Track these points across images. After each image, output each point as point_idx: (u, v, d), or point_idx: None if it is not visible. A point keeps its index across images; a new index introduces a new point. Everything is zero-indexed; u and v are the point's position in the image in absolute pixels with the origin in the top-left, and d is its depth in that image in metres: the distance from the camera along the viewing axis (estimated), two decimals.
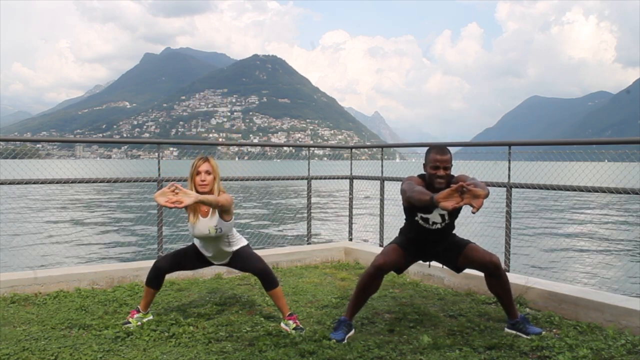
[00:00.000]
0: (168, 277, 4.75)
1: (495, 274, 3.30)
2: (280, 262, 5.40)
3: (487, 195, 2.80)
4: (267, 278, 3.51)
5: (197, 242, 3.63)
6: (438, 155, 3.21)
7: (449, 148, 3.34)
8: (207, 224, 3.43)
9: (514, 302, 3.39)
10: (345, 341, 3.16)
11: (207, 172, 3.40)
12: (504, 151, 4.73)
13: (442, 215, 3.28)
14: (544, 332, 3.26)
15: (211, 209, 3.42)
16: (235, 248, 3.59)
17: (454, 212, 3.25)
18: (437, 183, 3.19)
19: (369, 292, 3.36)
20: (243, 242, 3.66)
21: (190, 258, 3.65)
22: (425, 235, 3.37)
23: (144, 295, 3.60)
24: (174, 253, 3.67)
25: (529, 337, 3.19)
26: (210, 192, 3.40)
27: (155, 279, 3.57)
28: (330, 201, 19.84)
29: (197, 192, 3.36)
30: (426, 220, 3.31)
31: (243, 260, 3.59)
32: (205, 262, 3.68)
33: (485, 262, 3.29)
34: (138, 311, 3.52)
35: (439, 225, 3.31)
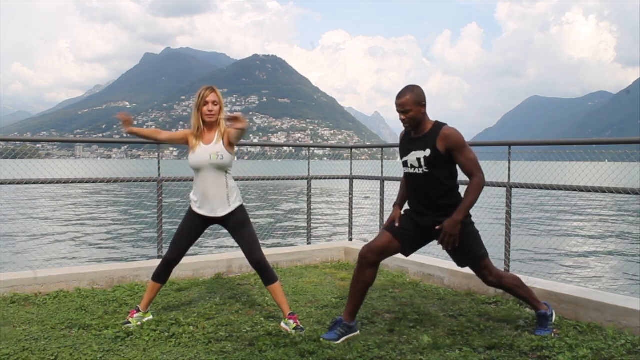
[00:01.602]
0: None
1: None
2: (280, 262, 5.40)
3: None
4: (265, 271, 3.48)
5: (195, 190, 3.49)
6: (396, 100, 3.18)
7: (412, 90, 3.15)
8: (208, 150, 3.39)
9: (528, 299, 3.35)
10: (340, 341, 3.14)
11: (214, 103, 3.41)
12: (504, 151, 4.73)
13: (418, 159, 3.17)
14: (552, 334, 3.23)
15: (215, 137, 3.41)
16: (232, 198, 3.47)
17: (430, 160, 3.13)
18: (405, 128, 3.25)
19: (361, 285, 3.25)
20: (240, 199, 3.56)
21: (186, 232, 3.52)
22: (412, 185, 3.27)
23: (147, 292, 3.57)
24: (172, 241, 3.58)
25: (529, 337, 3.18)
26: (217, 122, 3.42)
27: (165, 272, 3.55)
28: (330, 201, 19.84)
29: (204, 122, 3.40)
30: (405, 163, 3.26)
31: (241, 230, 3.49)
32: (202, 224, 3.53)
33: (482, 279, 3.33)
34: (138, 311, 3.52)
35: (417, 170, 3.19)
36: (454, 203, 3.16)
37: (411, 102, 3.11)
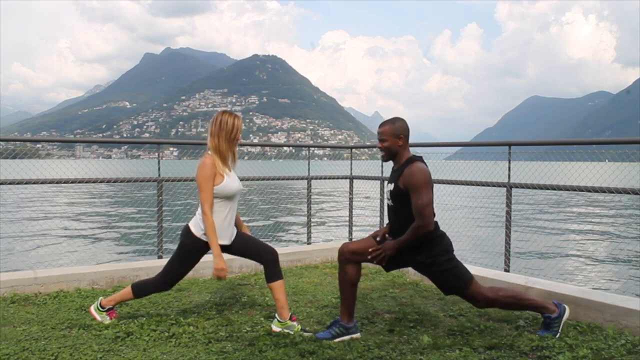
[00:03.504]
0: None
1: None
2: (281, 262, 5.38)
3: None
4: (277, 264, 3.43)
5: (217, 219, 3.33)
6: (378, 128, 3.30)
7: (396, 120, 3.27)
8: (236, 177, 3.43)
9: (531, 309, 3.34)
10: (334, 341, 3.15)
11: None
12: (504, 151, 4.73)
13: (389, 191, 3.27)
14: (555, 336, 3.20)
15: (232, 166, 3.45)
16: None
17: (396, 195, 3.17)
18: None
19: (345, 284, 3.27)
20: None
21: (191, 264, 3.47)
22: (388, 214, 3.36)
23: (120, 294, 3.53)
24: (172, 274, 3.46)
25: (529, 337, 3.18)
26: None
27: (152, 294, 3.55)
28: (330, 201, 19.84)
29: (233, 149, 3.40)
30: (387, 193, 3.34)
31: (248, 237, 3.47)
32: (205, 252, 3.47)
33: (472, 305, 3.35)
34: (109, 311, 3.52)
35: (389, 202, 3.29)
36: (427, 238, 3.14)
37: (388, 132, 3.22)
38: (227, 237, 3.41)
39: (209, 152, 3.37)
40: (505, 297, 3.27)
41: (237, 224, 3.60)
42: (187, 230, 3.40)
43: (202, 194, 3.26)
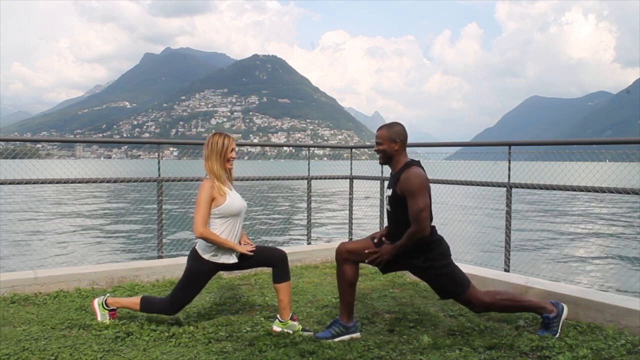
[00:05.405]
0: (168, 277, 4.77)
1: None
2: None
3: None
4: (286, 265, 3.41)
5: (230, 235, 3.35)
6: (376, 132, 3.33)
7: (394, 124, 3.28)
8: (238, 195, 3.43)
9: (528, 310, 3.34)
10: (334, 340, 3.15)
11: (235, 149, 3.45)
12: (504, 151, 4.73)
13: (387, 197, 3.30)
14: (555, 336, 3.20)
15: (230, 184, 3.44)
16: None
17: (394, 201, 3.18)
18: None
19: (344, 283, 3.29)
20: None
21: (201, 288, 3.46)
22: (387, 219, 3.37)
23: (126, 301, 3.53)
24: (183, 300, 3.41)
25: (529, 337, 3.18)
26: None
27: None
28: (330, 201, 19.84)
29: (226, 169, 3.38)
30: (386, 198, 3.35)
31: (255, 250, 3.43)
32: (215, 273, 3.50)
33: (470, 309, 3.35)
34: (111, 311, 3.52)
35: (387, 207, 3.31)
36: (424, 242, 3.13)
37: (384, 136, 3.24)
38: (234, 255, 3.39)
39: (207, 176, 3.38)
40: (502, 300, 3.27)
41: (241, 240, 3.60)
42: (195, 254, 3.37)
43: (196, 214, 3.25)
